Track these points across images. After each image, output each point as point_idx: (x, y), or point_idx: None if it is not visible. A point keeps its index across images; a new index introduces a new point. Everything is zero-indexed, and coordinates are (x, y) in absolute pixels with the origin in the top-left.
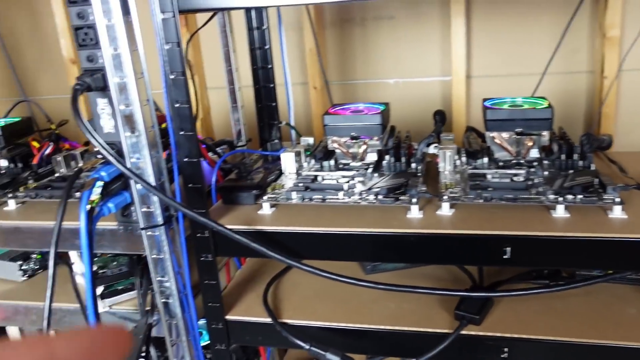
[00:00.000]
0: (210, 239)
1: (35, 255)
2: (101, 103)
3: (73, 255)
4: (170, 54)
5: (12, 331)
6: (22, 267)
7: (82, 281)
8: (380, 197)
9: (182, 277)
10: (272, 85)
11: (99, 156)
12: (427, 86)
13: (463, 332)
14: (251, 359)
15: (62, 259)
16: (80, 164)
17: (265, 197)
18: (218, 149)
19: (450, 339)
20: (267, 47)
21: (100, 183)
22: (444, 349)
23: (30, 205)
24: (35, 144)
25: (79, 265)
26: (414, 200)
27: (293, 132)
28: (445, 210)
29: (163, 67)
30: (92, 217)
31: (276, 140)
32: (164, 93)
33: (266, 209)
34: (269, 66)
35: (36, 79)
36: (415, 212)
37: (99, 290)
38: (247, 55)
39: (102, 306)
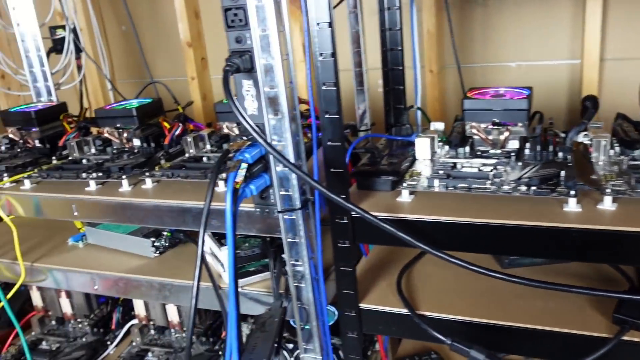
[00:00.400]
0: (349, 225)
1: (165, 233)
2: (246, 84)
3: None
4: (321, 35)
5: (138, 304)
6: (155, 244)
7: (211, 260)
8: (533, 188)
9: (315, 261)
10: (400, 68)
11: (244, 138)
12: (553, 70)
13: (624, 337)
14: (367, 346)
15: (191, 238)
16: (208, 146)
17: (404, 184)
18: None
19: (611, 344)
20: (397, 28)
21: (244, 165)
22: (603, 354)
23: (165, 184)
24: (166, 124)
25: (210, 244)
26: (572, 192)
27: (419, 117)
28: (608, 204)
29: (308, 48)
30: (236, 199)
31: (407, 125)
32: (307, 75)
33: (405, 196)
34: (399, 48)
35: (154, 62)
36: (573, 205)
37: None
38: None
39: None
